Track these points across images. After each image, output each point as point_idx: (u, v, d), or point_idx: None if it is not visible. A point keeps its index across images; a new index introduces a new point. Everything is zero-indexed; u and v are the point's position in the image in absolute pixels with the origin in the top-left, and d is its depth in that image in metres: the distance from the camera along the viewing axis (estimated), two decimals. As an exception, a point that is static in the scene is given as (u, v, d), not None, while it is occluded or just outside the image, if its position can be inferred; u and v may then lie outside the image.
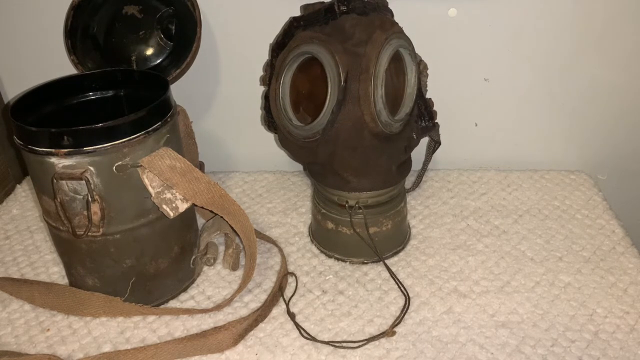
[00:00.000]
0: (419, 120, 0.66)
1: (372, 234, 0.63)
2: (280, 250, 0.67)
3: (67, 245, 0.57)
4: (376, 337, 0.52)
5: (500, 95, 0.77)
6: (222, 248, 0.68)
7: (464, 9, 0.71)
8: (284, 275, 0.62)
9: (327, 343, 0.54)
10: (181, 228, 0.60)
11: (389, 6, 0.63)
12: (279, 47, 0.64)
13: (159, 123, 0.53)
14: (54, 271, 0.66)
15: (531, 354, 0.52)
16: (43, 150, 0.50)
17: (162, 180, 0.53)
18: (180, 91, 0.69)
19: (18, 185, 0.83)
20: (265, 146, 0.84)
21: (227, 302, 0.59)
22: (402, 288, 0.60)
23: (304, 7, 0.63)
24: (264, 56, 0.74)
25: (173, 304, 0.61)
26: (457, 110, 0.78)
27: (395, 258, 0.66)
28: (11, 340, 0.56)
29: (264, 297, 0.60)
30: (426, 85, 0.67)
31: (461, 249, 0.66)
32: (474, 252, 0.66)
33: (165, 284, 0.60)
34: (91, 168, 0.50)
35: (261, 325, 0.57)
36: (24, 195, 0.81)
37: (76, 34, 0.69)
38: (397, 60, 0.60)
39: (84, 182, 0.50)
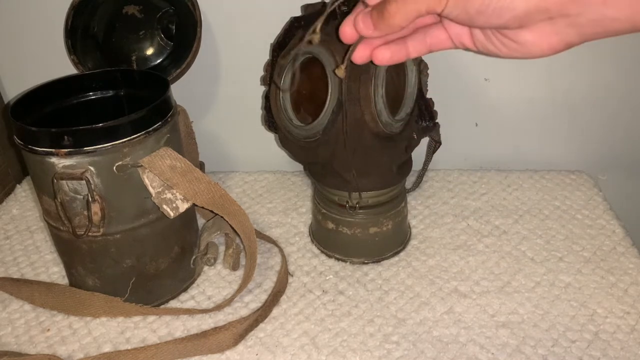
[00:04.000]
0: (420, 120, 0.66)
1: (373, 234, 0.63)
2: (281, 250, 0.67)
3: (67, 245, 0.57)
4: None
5: (500, 95, 0.77)
6: (222, 248, 0.68)
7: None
8: (285, 275, 0.62)
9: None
10: (181, 228, 0.60)
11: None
12: (280, 47, 0.63)
13: (160, 123, 0.53)
14: (54, 271, 0.66)
15: (532, 354, 0.52)
16: (43, 150, 0.50)
17: (163, 180, 0.53)
18: (180, 91, 0.69)
19: (18, 185, 0.83)
20: (265, 146, 0.84)
21: (228, 302, 0.59)
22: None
23: (305, 7, 0.63)
24: (264, 56, 0.73)
25: (173, 304, 0.61)
26: (457, 110, 0.78)
27: (396, 258, 0.66)
28: (11, 340, 0.56)
29: (264, 297, 0.60)
30: (426, 85, 0.66)
31: (461, 249, 0.66)
32: (475, 252, 0.66)
33: (165, 284, 0.60)
34: (91, 168, 0.50)
35: (261, 325, 0.57)
36: (24, 195, 0.81)
37: (76, 34, 0.69)
38: (397, 60, 0.60)
39: (84, 182, 0.50)
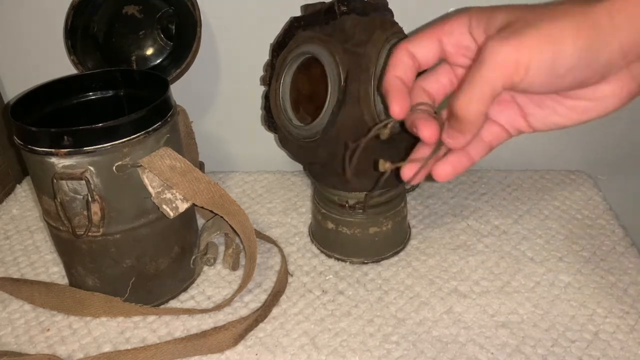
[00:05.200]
0: (419, 120, 0.66)
1: (372, 234, 0.63)
2: (281, 250, 0.67)
3: (67, 245, 0.57)
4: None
5: (501, 95, 0.77)
6: (222, 248, 0.68)
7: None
8: (284, 275, 0.62)
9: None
10: (181, 228, 0.60)
11: (389, 6, 0.63)
12: (280, 47, 0.63)
13: (159, 123, 0.53)
14: (54, 271, 0.66)
15: (531, 354, 0.52)
16: (43, 150, 0.50)
17: (162, 180, 0.53)
18: (180, 91, 0.69)
19: (18, 185, 0.83)
20: (265, 146, 0.84)
21: (227, 302, 0.59)
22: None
23: (305, 7, 0.63)
24: (264, 56, 0.73)
25: (173, 304, 0.61)
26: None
27: (396, 258, 0.66)
28: (11, 340, 0.56)
29: (264, 297, 0.60)
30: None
31: (461, 249, 0.66)
32: (474, 252, 0.66)
33: (165, 284, 0.60)
34: (91, 168, 0.50)
35: (261, 325, 0.57)
36: (24, 195, 0.81)
37: (76, 34, 0.69)
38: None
39: (84, 182, 0.50)
